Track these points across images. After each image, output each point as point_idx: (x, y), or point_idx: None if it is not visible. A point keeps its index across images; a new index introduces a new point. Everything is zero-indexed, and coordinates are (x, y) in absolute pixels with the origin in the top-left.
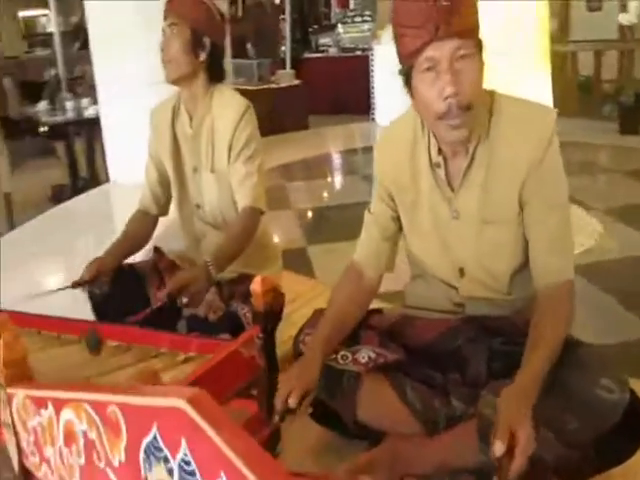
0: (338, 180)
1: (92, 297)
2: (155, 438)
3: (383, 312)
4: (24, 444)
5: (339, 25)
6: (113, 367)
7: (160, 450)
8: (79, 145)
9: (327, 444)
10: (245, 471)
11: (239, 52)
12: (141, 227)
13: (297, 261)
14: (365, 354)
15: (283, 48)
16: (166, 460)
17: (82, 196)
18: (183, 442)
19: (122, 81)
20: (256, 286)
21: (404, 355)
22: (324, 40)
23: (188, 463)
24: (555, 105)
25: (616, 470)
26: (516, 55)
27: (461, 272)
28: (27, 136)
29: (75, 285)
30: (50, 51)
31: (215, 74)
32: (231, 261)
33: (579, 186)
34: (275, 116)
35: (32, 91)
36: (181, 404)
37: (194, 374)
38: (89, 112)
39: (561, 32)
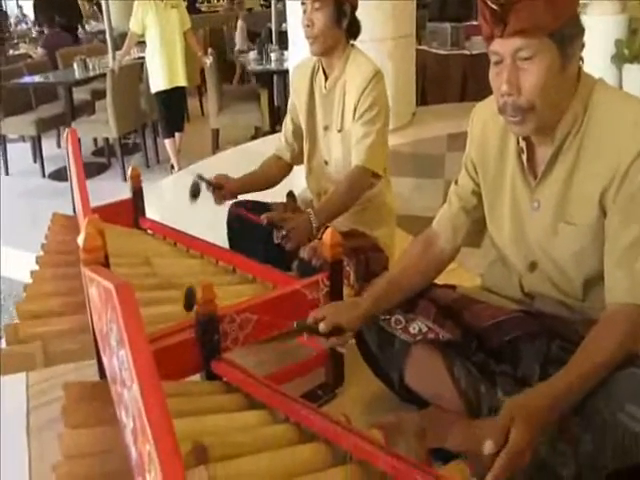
0: None
1: (230, 228)
2: (112, 309)
3: (456, 288)
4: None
5: None
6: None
7: (112, 321)
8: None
9: (382, 401)
10: (129, 356)
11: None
12: (271, 168)
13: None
14: (417, 326)
15: None
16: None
17: (268, 137)
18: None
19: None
20: (326, 238)
21: (459, 335)
22: None
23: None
24: None
25: None
26: None
27: (532, 266)
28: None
29: (200, 177)
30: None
31: (353, 33)
32: (334, 216)
33: None
34: (466, 83)
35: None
36: (111, 287)
37: (253, 300)
38: (288, 64)
39: None
